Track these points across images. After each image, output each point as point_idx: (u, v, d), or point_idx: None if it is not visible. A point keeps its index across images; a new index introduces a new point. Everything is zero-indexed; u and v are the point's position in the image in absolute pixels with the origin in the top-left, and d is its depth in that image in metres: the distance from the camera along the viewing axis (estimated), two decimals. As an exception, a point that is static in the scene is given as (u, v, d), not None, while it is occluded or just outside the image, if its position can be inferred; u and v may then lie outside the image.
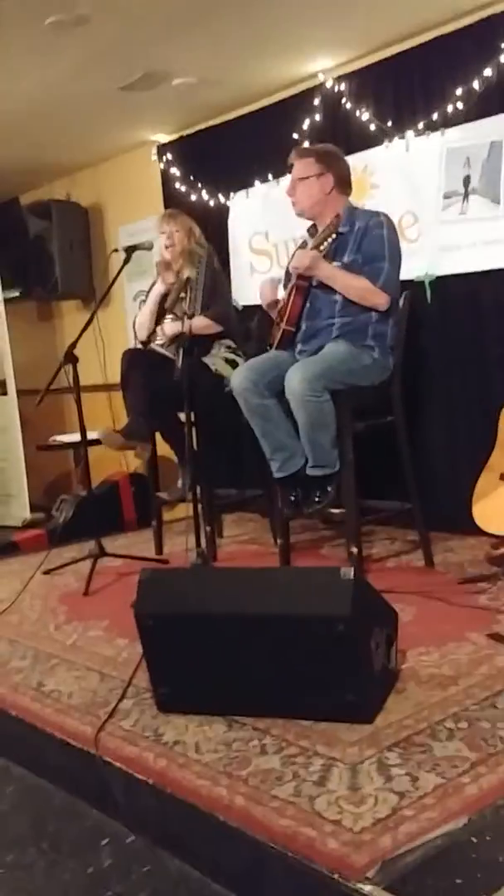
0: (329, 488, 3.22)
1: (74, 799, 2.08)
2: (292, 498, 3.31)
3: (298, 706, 2.08)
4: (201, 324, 3.71)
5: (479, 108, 3.60)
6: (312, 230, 3.43)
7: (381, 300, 3.21)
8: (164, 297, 3.95)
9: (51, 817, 2.03)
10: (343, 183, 3.36)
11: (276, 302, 3.51)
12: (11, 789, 2.19)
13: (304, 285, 3.30)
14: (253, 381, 3.24)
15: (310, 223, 3.45)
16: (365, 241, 3.24)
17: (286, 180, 3.57)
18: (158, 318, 3.99)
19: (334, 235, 3.24)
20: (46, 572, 3.78)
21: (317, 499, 3.23)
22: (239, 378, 3.29)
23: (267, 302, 3.54)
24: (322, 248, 3.23)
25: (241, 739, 2.02)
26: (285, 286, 3.50)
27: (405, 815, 1.63)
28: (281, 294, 3.53)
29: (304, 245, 3.47)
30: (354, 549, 3.21)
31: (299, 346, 3.35)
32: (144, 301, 4.21)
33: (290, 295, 3.34)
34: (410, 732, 1.97)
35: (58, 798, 2.11)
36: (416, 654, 2.45)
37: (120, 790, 1.95)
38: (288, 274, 3.46)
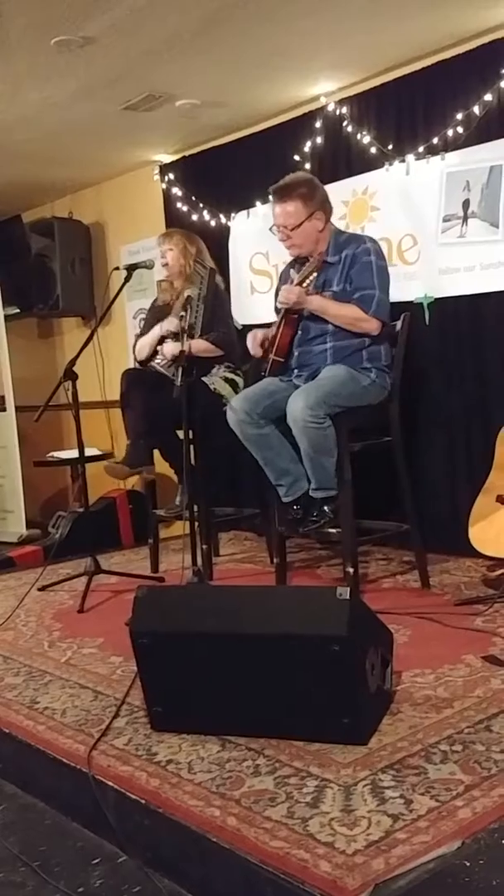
0: (327, 508, 3.22)
1: (65, 818, 2.07)
2: (291, 517, 3.31)
3: (293, 727, 2.07)
4: (201, 347, 3.72)
5: (480, 132, 3.63)
6: (302, 259, 3.42)
7: (372, 326, 3.24)
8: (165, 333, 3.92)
9: (41, 837, 2.01)
10: (329, 213, 3.36)
11: (265, 338, 3.46)
12: (2, 808, 2.17)
13: (294, 318, 3.32)
14: (247, 412, 3.24)
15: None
16: (353, 269, 3.26)
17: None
18: (159, 339, 3.98)
19: (315, 273, 3.26)
20: (42, 589, 3.77)
21: (313, 518, 3.23)
22: (233, 410, 3.28)
23: (255, 352, 3.47)
24: (306, 283, 3.26)
25: (234, 759, 2.01)
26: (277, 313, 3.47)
27: (398, 837, 1.62)
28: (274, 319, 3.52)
29: (286, 274, 3.48)
30: (350, 569, 3.20)
31: (295, 372, 3.35)
32: (144, 319, 4.21)
33: (279, 327, 3.35)
34: (405, 755, 1.96)
35: (49, 817, 2.10)
36: (411, 676, 2.44)
37: (112, 810, 1.94)
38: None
